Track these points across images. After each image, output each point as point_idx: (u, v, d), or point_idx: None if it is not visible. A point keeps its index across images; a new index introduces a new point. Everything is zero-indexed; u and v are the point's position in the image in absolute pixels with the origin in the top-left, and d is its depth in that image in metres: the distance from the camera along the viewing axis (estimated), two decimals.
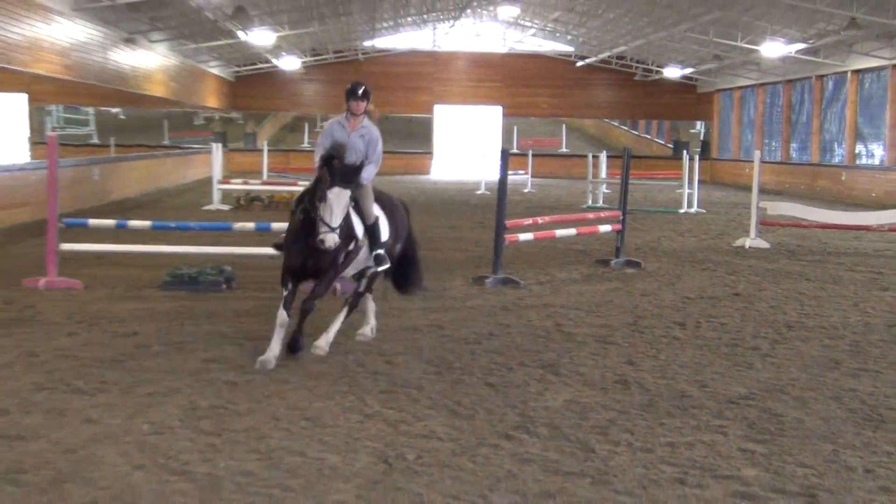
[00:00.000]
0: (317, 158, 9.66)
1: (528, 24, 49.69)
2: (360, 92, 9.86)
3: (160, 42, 36.39)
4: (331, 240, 8.78)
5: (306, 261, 9.25)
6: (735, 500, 6.01)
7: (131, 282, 13.54)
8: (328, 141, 9.75)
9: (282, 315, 9.15)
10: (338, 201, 8.84)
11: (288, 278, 9.43)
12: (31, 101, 48.35)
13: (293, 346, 9.28)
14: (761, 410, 7.98)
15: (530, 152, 43.24)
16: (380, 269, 9.93)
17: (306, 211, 9.18)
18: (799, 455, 6.87)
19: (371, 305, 10.60)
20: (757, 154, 21.54)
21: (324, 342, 9.68)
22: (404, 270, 10.88)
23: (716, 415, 7.84)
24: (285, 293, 9.34)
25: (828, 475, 6.49)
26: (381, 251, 9.80)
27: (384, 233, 9.91)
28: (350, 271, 9.89)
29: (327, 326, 9.84)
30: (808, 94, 43.09)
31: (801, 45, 37.01)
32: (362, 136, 9.90)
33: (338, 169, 8.95)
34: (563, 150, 59.70)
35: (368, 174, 9.74)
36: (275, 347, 9.06)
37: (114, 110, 59.76)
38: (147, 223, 15.48)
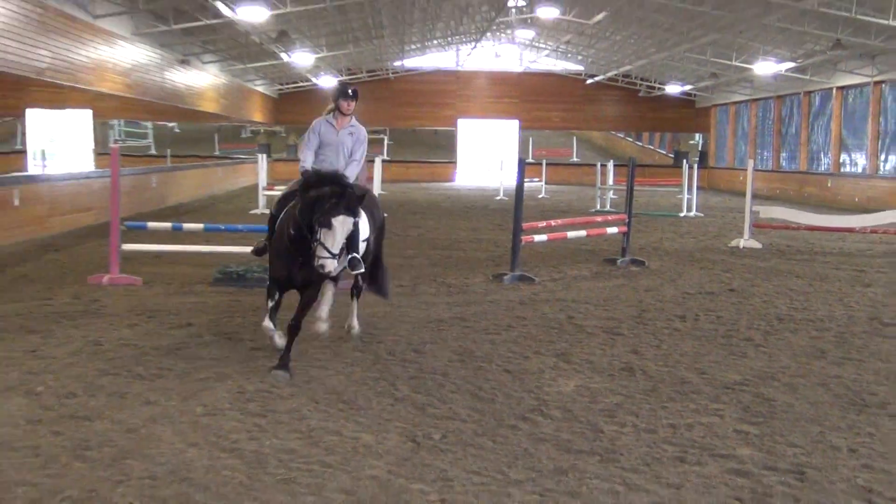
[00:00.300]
0: (304, 156, 9.19)
1: (543, 45, 49.62)
2: (351, 92, 9.18)
3: (211, 63, 36.56)
4: (331, 265, 7.89)
5: (294, 273, 8.39)
6: (731, 477, 6.00)
7: (186, 278, 13.61)
8: (316, 139, 9.20)
9: (269, 326, 8.43)
10: (342, 229, 7.90)
11: (275, 290, 8.59)
12: (95, 116, 48.53)
13: (281, 365, 8.16)
14: (754, 395, 7.96)
15: (544, 161, 43.28)
16: (353, 272, 8.90)
17: (298, 226, 8.15)
18: (789, 436, 6.85)
19: (327, 300, 9.42)
20: (750, 163, 21.44)
21: (355, 323, 9.76)
22: (372, 274, 9.85)
23: (713, 399, 7.82)
24: (271, 304, 8.53)
25: (815, 454, 6.47)
26: (356, 255, 8.72)
27: (364, 231, 8.92)
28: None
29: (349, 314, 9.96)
30: (796, 109, 42.91)
31: (791, 64, 36.88)
32: (351, 134, 9.24)
33: (346, 197, 7.96)
34: (574, 159, 59.55)
35: (352, 172, 9.08)
36: (284, 350, 8.32)
37: (170, 124, 59.99)
38: (200, 226, 15.56)
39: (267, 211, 26.59)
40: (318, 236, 7.89)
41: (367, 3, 31.04)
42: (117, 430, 6.63)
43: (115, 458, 6.06)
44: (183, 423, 6.80)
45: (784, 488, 5.83)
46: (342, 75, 50.03)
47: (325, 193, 7.98)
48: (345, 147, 9.18)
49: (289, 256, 8.34)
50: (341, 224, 7.87)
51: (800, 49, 35.39)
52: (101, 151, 46.79)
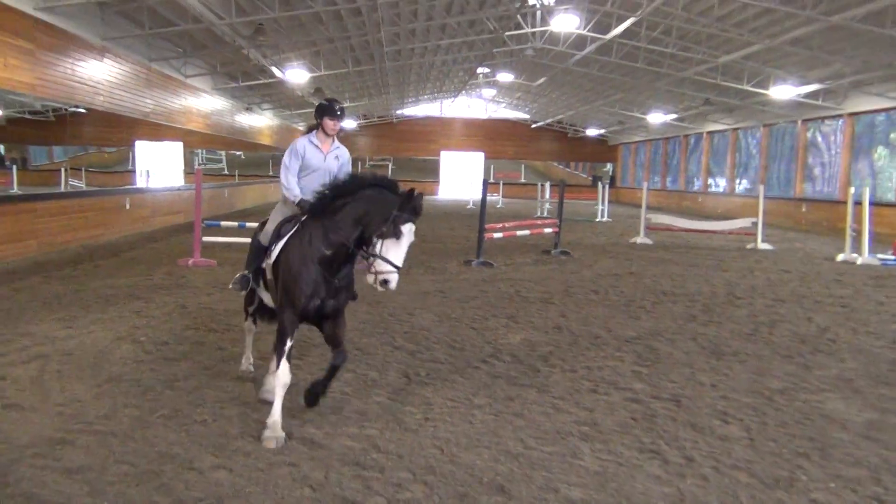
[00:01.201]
0: (290, 182, 5.75)
1: (501, 100, 49.56)
2: (339, 110, 5.82)
3: (268, 110, 36.34)
4: (395, 281, 4.96)
5: (327, 300, 5.24)
6: (628, 403, 6.01)
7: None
8: (298, 162, 5.77)
9: (287, 373, 5.14)
10: (408, 237, 5.03)
11: (295, 327, 5.25)
12: (185, 146, 48.25)
13: (314, 399, 5.51)
14: (645, 346, 7.98)
15: (501, 182, 43.30)
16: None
17: (338, 243, 5.12)
18: (669, 375, 6.88)
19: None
20: (645, 184, 21.49)
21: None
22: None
23: (616, 349, 7.84)
24: (290, 344, 5.18)
25: (687, 388, 6.50)
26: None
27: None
28: None
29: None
30: (678, 147, 43.02)
31: (674, 115, 36.98)
32: (337, 157, 5.91)
33: (412, 198, 5.01)
34: (522, 180, 59.36)
35: None
36: (277, 416, 5.06)
37: (238, 153, 59.55)
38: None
39: None
40: (377, 249, 4.98)
41: (378, 69, 30.89)
42: (197, 368, 6.59)
43: (195, 388, 6.03)
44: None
45: (665, 411, 5.85)
46: (359, 119, 49.78)
47: (384, 198, 5.06)
48: (331, 173, 5.80)
49: (322, 280, 5.20)
50: (409, 232, 5.03)
51: (680, 105, 35.48)
52: (189, 171, 46.46)
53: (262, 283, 5.80)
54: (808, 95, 26.74)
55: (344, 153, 5.99)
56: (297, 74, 26.55)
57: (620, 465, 4.79)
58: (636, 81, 31.18)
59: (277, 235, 5.58)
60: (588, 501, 4.27)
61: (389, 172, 54.36)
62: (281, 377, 5.13)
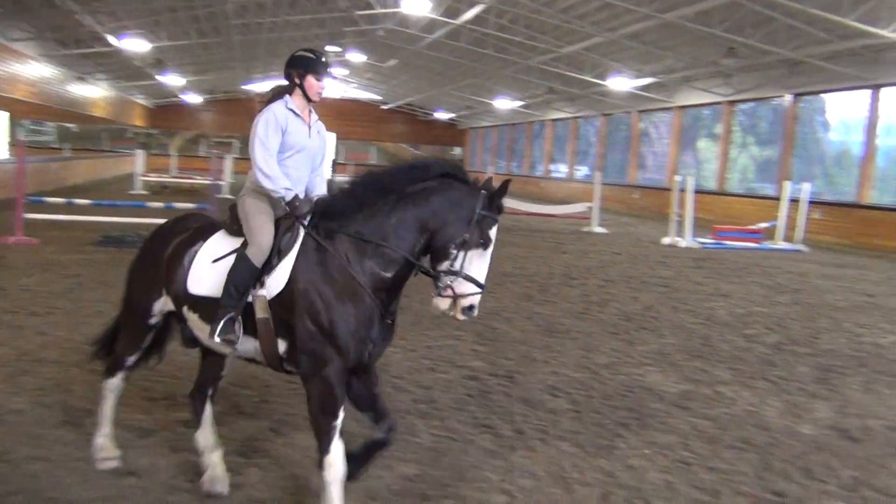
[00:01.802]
0: (270, 167, 3.82)
1: (352, 80, 49.13)
2: (327, 63, 4.09)
3: (102, 80, 34.14)
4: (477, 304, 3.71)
5: (366, 349, 3.68)
6: (465, 381, 6.17)
7: (75, 241, 12.70)
8: (276, 137, 3.87)
9: (341, 460, 3.63)
10: (492, 245, 3.74)
11: (345, 390, 3.70)
12: (11, 117, 44.54)
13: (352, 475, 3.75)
14: (484, 326, 8.19)
15: (353, 163, 42.93)
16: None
17: (401, 262, 3.66)
18: (506, 353, 7.12)
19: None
20: (490, 168, 22.07)
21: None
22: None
23: (456, 329, 7.99)
24: (341, 416, 3.64)
25: (522, 365, 6.76)
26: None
27: (280, 279, 3.83)
28: None
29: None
30: (523, 133, 44.38)
31: (520, 102, 38.09)
32: (319, 133, 4.16)
33: (497, 193, 3.86)
34: (373, 161, 59.29)
35: (322, 190, 4.16)
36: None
37: (69, 125, 55.63)
38: (89, 201, 14.60)
39: (142, 192, 25.24)
40: (455, 265, 3.63)
41: (224, 42, 29.76)
42: (15, 354, 6.15)
43: (11, 376, 5.63)
44: (67, 349, 6.37)
45: (500, 387, 6.06)
46: (204, 94, 47.74)
47: (457, 192, 3.73)
48: (316, 154, 4.16)
49: (377, 316, 3.69)
50: (494, 239, 3.76)
51: (526, 93, 36.59)
52: (13, 143, 42.94)
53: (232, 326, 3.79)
54: (643, 88, 28.32)
55: (324, 129, 4.24)
56: (135, 44, 25.12)
57: (454, 440, 4.92)
58: (485, 67, 31.82)
59: (277, 252, 3.79)
60: (421, 476, 4.36)
61: (235, 150, 52.72)
62: (336, 467, 3.57)
